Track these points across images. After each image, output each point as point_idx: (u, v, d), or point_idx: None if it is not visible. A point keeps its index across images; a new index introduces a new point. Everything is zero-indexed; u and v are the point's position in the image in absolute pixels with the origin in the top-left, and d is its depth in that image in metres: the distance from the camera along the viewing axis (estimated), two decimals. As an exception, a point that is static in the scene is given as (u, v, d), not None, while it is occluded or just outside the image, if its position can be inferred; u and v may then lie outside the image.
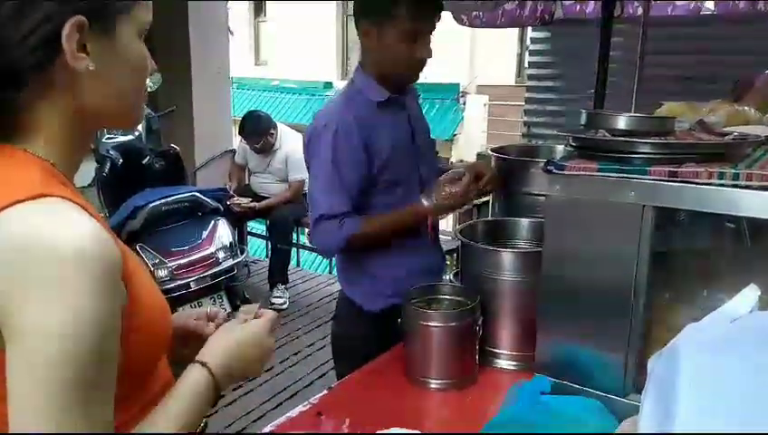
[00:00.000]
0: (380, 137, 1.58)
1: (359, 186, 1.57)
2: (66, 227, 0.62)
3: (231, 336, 0.84)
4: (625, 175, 1.04)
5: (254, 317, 0.89)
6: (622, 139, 1.10)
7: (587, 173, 1.08)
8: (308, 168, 1.64)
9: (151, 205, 3.08)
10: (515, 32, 11.15)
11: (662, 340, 1.08)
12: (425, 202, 1.59)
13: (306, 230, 4.33)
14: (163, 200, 3.13)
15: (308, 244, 4.78)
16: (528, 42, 4.84)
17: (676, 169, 1.01)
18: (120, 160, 3.73)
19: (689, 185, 0.99)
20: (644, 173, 1.03)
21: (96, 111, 0.72)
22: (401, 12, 1.50)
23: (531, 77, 4.67)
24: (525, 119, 4.72)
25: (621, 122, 1.15)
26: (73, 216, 0.64)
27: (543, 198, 1.62)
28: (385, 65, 1.59)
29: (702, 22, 3.67)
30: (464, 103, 11.00)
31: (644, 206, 1.04)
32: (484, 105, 11.34)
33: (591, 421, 1.04)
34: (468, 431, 1.18)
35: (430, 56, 1.56)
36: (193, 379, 0.78)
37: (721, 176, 0.98)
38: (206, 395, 0.78)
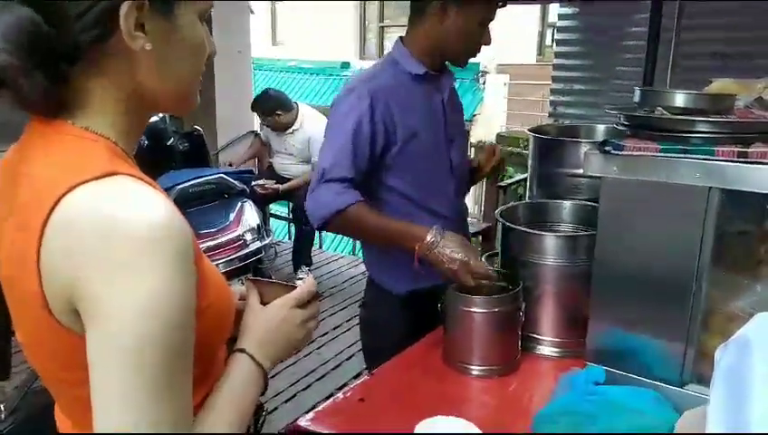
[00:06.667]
0: (410, 108, 1.53)
1: (369, 159, 1.48)
2: (142, 207, 0.60)
3: (261, 318, 0.82)
4: (690, 156, 0.99)
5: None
6: (685, 117, 1.04)
7: (649, 154, 1.02)
8: (326, 129, 1.56)
9: (179, 186, 3.08)
10: (536, 10, 10.91)
11: (722, 329, 1.04)
12: (428, 237, 1.38)
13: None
14: (191, 182, 3.13)
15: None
16: (555, 18, 4.70)
17: (745, 150, 0.95)
18: (146, 142, 3.73)
19: (761, 166, 0.94)
20: (710, 154, 0.98)
21: (153, 93, 0.70)
22: None
23: (558, 55, 4.54)
24: (552, 98, 4.60)
25: (679, 100, 1.10)
26: (146, 194, 0.62)
27: (584, 179, 1.59)
28: (447, 46, 1.55)
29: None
30: (483, 83, 10.84)
31: (710, 188, 0.99)
32: (504, 85, 11.16)
33: (651, 412, 1.01)
34: (512, 419, 1.15)
35: (489, 43, 1.56)
36: (239, 367, 0.77)
37: (797, 157, 0.93)
38: (255, 381, 0.77)
